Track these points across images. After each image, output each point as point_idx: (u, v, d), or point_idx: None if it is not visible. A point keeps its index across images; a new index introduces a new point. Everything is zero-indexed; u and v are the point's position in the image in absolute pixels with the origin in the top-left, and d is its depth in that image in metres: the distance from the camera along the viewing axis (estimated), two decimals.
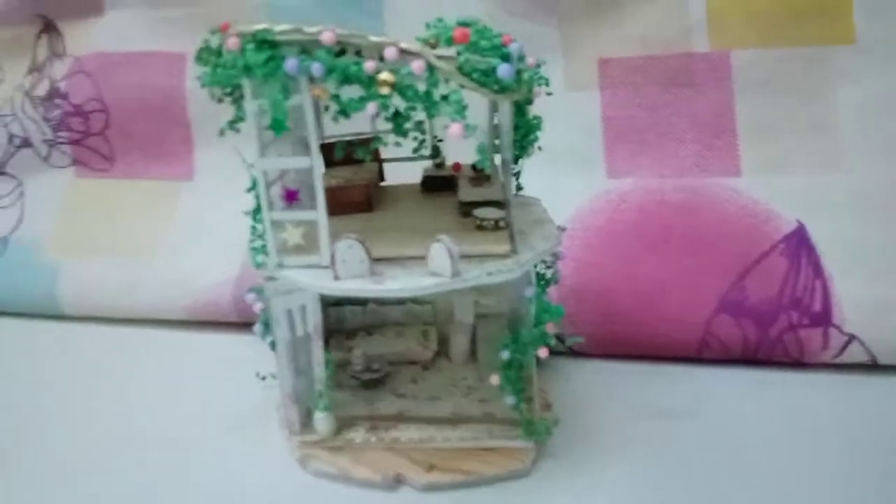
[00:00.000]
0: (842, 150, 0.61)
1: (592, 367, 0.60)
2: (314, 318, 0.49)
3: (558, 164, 0.65)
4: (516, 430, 0.50)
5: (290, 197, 0.45)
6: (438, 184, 0.58)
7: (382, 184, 0.59)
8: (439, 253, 0.43)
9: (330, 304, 0.61)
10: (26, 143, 0.78)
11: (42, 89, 0.77)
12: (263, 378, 0.57)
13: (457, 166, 0.58)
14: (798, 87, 0.61)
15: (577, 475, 0.48)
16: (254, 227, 0.48)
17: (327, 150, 0.54)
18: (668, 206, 0.63)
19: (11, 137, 0.78)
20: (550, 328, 0.47)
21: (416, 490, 0.48)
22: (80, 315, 0.71)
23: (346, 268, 0.44)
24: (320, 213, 0.45)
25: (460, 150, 0.52)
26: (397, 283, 0.44)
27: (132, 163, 0.77)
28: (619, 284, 0.61)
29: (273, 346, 0.50)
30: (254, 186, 0.46)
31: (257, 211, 0.47)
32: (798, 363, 0.58)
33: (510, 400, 0.49)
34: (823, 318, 0.57)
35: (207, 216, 0.73)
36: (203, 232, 0.72)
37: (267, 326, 0.51)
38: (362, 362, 0.56)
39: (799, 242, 0.59)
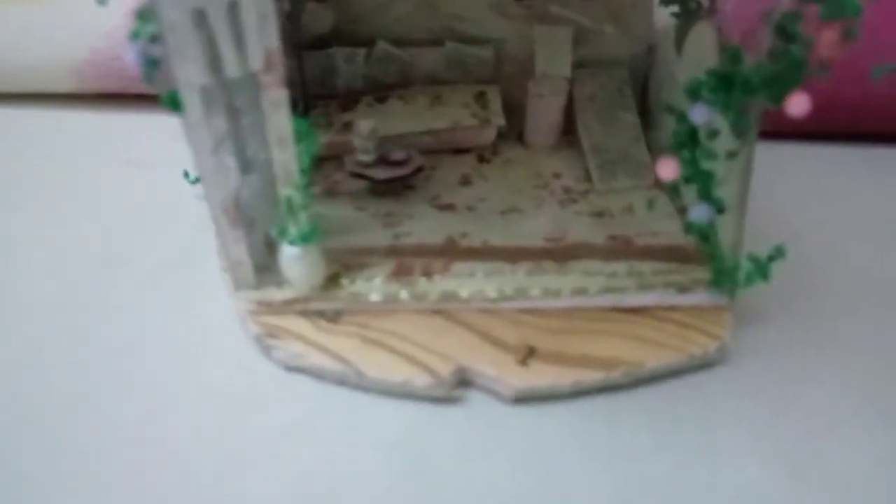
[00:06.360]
0: None
1: (793, 154, 0.45)
2: (264, 30, 0.26)
3: None
4: (694, 273, 0.32)
5: None
6: None
7: None
8: None
9: (306, 46, 0.41)
10: None
11: None
12: (195, 181, 0.40)
13: None
14: None
15: (812, 353, 0.30)
16: None
17: None
18: None
19: None
20: (826, 46, 0.24)
21: (502, 402, 0.29)
22: None
23: None
24: None
25: None
26: None
27: None
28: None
29: (174, 103, 0.28)
30: None
31: None
32: None
33: (699, 214, 0.29)
34: None
35: None
36: None
37: (155, 60, 0.28)
38: (373, 146, 0.38)
39: None
